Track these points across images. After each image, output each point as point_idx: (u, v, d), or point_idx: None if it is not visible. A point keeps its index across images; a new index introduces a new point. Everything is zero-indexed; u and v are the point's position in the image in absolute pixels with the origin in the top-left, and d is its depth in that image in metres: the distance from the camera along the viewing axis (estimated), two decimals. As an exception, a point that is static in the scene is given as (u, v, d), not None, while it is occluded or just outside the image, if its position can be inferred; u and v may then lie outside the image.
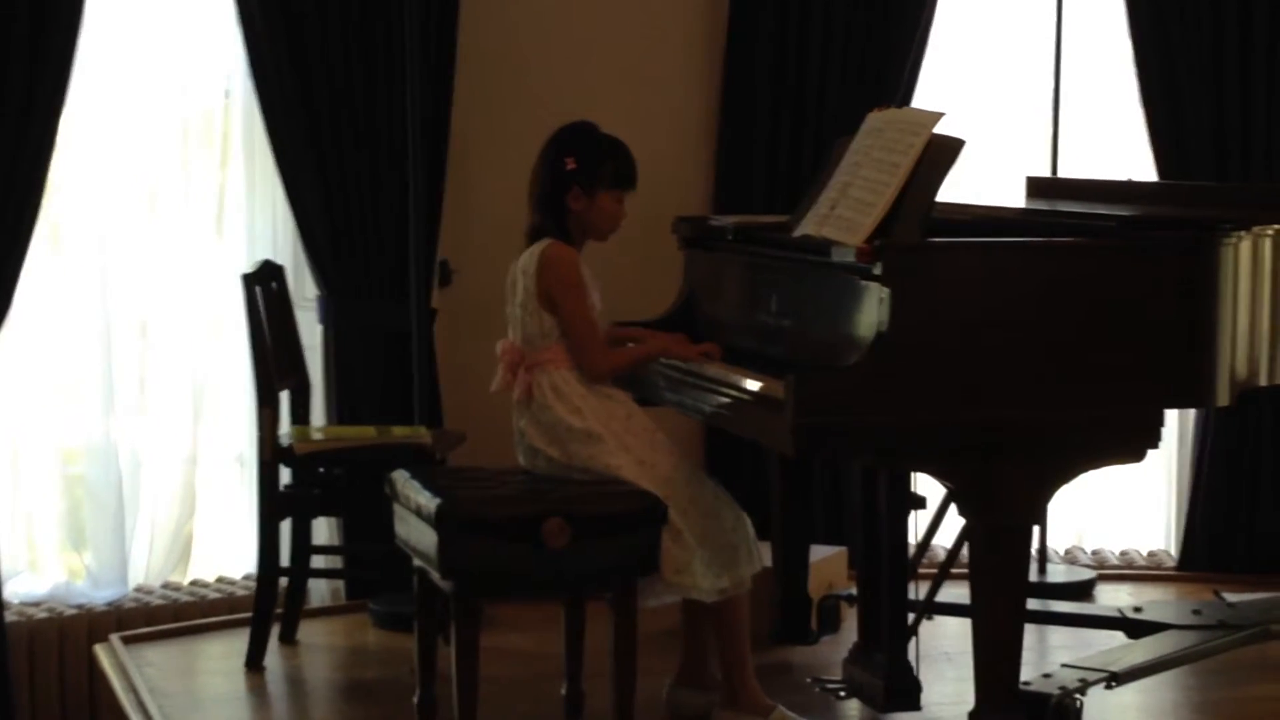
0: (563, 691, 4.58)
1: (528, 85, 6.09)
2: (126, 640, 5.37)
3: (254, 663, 5.16)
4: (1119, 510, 6.56)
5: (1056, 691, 4.32)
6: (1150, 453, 3.99)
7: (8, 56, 5.25)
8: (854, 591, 4.87)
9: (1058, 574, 6.14)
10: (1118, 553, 6.55)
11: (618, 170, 4.42)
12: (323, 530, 5.80)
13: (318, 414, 5.74)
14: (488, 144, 6.02)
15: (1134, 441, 3.97)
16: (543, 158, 4.44)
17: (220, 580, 5.98)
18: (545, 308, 4.37)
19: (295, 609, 5.42)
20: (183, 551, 5.95)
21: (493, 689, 4.38)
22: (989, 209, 4.77)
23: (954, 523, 4.32)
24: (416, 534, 4.30)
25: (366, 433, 5.32)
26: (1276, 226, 4.24)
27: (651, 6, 6.35)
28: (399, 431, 5.34)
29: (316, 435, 5.31)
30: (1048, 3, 6.07)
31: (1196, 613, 5.06)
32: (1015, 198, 5.43)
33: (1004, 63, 6.46)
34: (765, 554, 4.61)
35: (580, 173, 4.39)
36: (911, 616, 4.57)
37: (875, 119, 4.36)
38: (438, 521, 4.12)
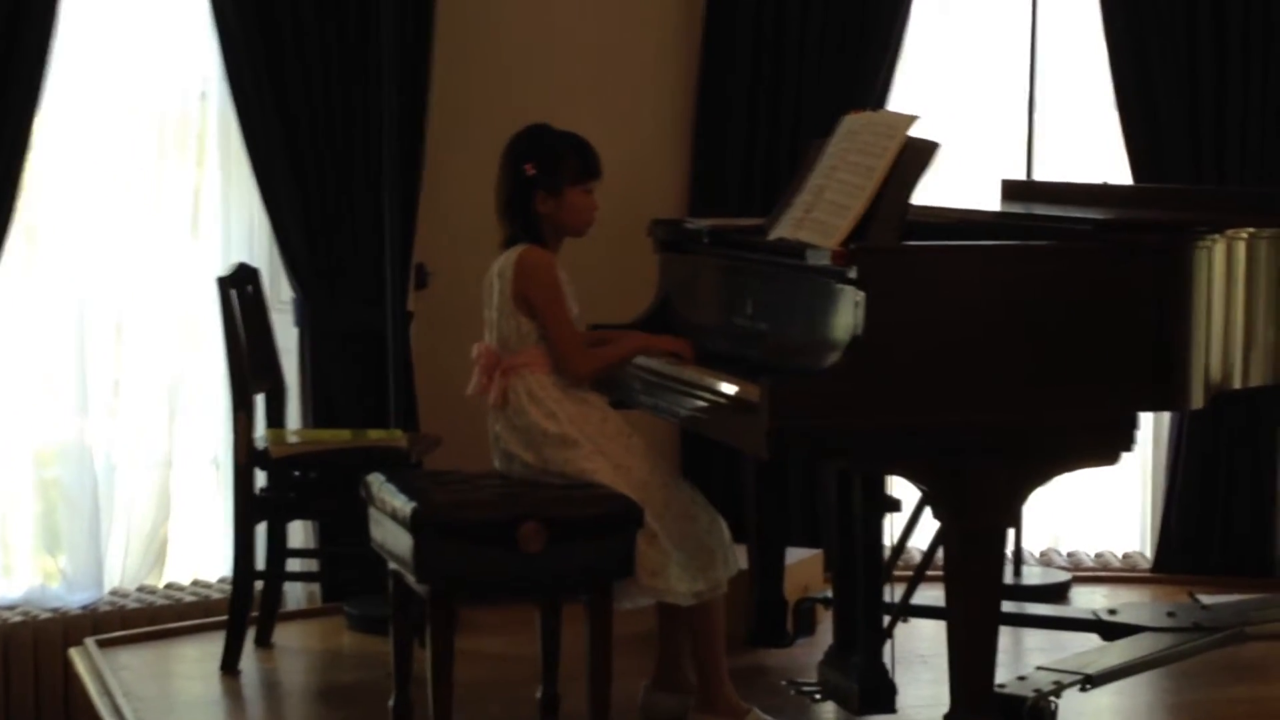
0: (538, 694, 4.58)
1: (503, 88, 6.08)
2: (101, 644, 5.35)
3: (229, 666, 5.15)
4: (1094, 512, 6.55)
5: (1031, 694, 4.33)
6: (1125, 455, 4.00)
7: (-18, 57, 5.25)
8: (830, 594, 4.87)
9: (1033, 576, 6.14)
10: (1093, 555, 6.56)
11: (579, 165, 4.39)
12: (298, 533, 5.77)
13: (293, 417, 5.72)
14: (464, 146, 6.00)
15: (1109, 444, 3.98)
16: (502, 168, 4.41)
17: (195, 583, 5.96)
18: (522, 311, 4.36)
19: (270, 612, 5.40)
20: (158, 555, 5.94)
21: (468, 692, 4.37)
22: (964, 212, 4.77)
23: (929, 525, 4.32)
24: (392, 537, 4.29)
25: (342, 436, 5.31)
26: (1250, 229, 4.25)
27: (627, 8, 6.34)
28: (374, 435, 5.33)
29: (292, 438, 5.30)
30: (1023, 5, 6.08)
31: (1171, 615, 5.07)
32: (990, 201, 5.43)
33: (979, 65, 6.46)
34: (741, 557, 4.60)
35: (541, 176, 4.36)
36: (887, 619, 4.57)
37: (850, 122, 4.37)
38: (413, 525, 4.11)
